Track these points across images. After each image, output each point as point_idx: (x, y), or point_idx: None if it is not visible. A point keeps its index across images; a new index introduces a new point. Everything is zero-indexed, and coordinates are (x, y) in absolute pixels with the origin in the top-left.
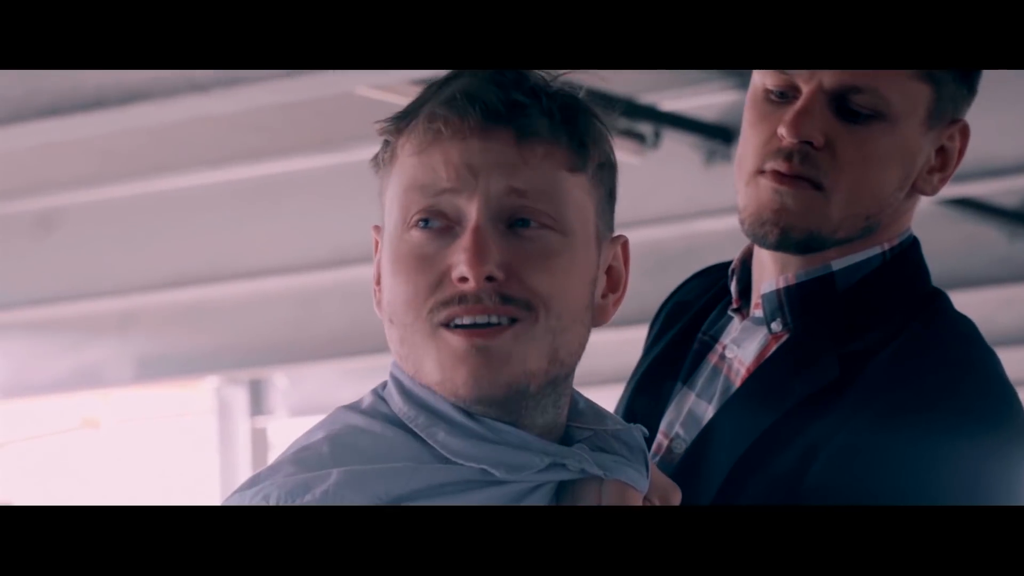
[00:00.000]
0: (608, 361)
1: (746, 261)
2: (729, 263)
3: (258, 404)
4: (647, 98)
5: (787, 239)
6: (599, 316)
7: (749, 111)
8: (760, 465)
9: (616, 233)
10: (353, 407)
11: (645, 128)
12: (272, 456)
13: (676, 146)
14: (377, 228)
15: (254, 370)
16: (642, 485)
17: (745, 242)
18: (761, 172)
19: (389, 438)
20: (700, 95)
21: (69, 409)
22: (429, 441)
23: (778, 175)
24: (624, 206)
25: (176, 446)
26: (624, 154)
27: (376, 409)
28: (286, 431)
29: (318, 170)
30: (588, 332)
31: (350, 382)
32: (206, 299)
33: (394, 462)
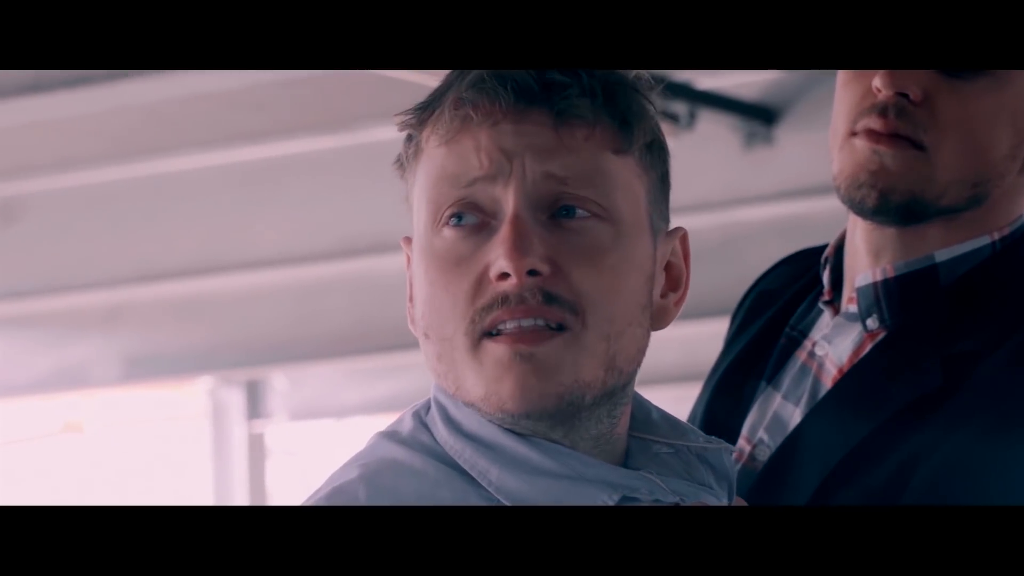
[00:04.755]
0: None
1: (841, 248)
2: (819, 249)
3: (255, 407)
4: (681, 75)
5: (887, 203)
6: (659, 318)
7: (843, 71)
8: (853, 478)
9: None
10: (392, 435)
11: (679, 108)
12: (269, 464)
13: (713, 128)
14: (407, 240)
15: (251, 370)
16: None
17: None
18: (854, 134)
19: (432, 477)
20: (739, 72)
21: (50, 412)
22: (480, 481)
23: (874, 134)
24: None
25: (166, 452)
26: None
27: (417, 439)
28: (285, 436)
29: (323, 152)
30: (647, 335)
31: (355, 384)
32: (200, 293)
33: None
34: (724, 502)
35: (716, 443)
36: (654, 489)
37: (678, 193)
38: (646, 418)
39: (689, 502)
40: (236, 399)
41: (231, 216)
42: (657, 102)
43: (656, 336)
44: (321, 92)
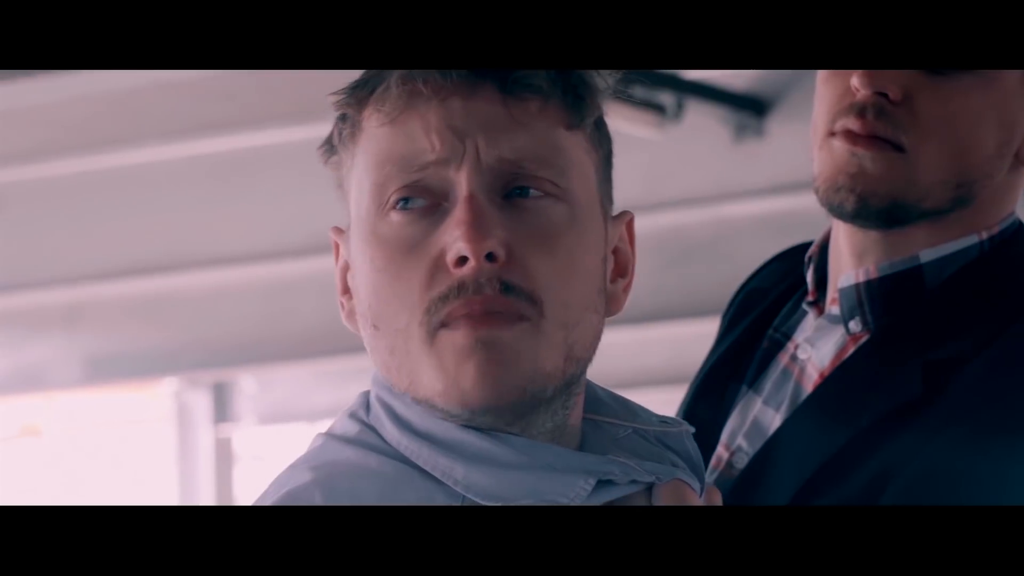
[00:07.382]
0: (626, 363)
1: (826, 247)
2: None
3: (222, 410)
4: None
5: (866, 207)
6: (611, 304)
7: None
8: (827, 489)
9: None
10: (339, 436)
11: (666, 99)
12: (237, 471)
13: (701, 119)
14: (337, 231)
15: (218, 372)
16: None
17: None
18: (832, 134)
19: (391, 477)
20: None
21: (6, 415)
22: (444, 480)
23: (852, 135)
24: (643, 187)
25: (129, 457)
26: (643, 128)
27: (365, 440)
28: (254, 441)
29: (294, 144)
30: (602, 321)
31: (326, 386)
32: (164, 291)
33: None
34: (694, 480)
35: (675, 424)
36: (628, 471)
37: (666, 188)
38: (595, 398)
39: (665, 480)
40: (202, 402)
41: (198, 211)
42: (609, 77)
43: (644, 336)
44: (292, 81)
